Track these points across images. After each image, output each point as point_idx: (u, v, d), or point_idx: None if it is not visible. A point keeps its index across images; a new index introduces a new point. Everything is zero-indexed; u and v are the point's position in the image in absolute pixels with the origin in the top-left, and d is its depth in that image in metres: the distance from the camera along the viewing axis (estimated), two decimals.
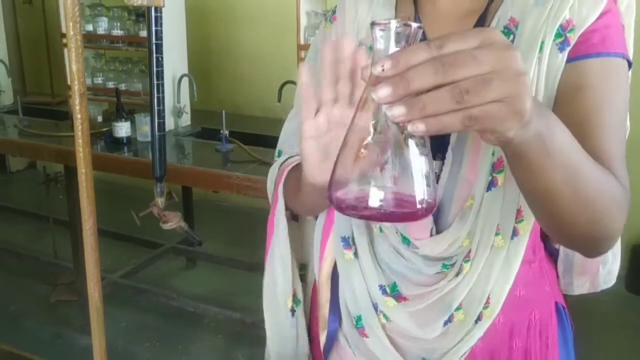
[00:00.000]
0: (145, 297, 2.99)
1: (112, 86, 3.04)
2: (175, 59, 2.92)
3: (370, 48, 0.83)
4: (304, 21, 2.49)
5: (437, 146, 0.79)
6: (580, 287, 0.94)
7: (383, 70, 0.45)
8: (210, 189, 2.78)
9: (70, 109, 3.12)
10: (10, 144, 2.99)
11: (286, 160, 0.90)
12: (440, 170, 0.79)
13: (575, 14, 0.74)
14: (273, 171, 0.92)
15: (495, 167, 0.77)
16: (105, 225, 3.36)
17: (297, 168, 0.81)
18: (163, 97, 0.52)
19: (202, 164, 2.45)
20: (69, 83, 3.11)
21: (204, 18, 3.87)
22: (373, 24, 0.51)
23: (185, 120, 3.00)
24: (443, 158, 0.79)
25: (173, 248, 3.34)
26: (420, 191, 0.52)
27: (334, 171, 0.55)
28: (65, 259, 3.12)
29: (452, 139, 0.78)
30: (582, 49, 0.73)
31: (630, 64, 0.77)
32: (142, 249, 3.36)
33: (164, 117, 0.60)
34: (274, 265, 0.94)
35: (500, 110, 0.45)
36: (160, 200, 0.67)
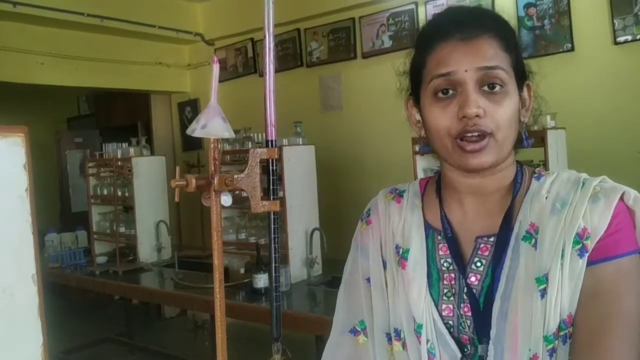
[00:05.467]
0: None
1: (254, 240, 3.39)
2: (307, 215, 3.24)
3: (407, 251, 0.96)
4: (421, 175, 2.70)
5: (482, 333, 0.88)
6: None
7: None
8: None
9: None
10: (167, 295, 3.39)
11: None
12: (486, 353, 0.88)
13: (588, 222, 0.83)
14: None
15: None
16: None
17: None
18: (278, 265, 0.66)
19: (331, 313, 2.60)
20: None
21: (334, 172, 4.24)
22: None
23: (317, 270, 3.23)
24: (488, 342, 0.87)
25: None
26: None
27: None
28: None
29: (492, 334, 0.87)
30: (600, 254, 0.82)
31: None
32: None
33: (280, 282, 0.74)
34: None
35: None
36: (277, 357, 0.83)
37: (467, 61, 0.84)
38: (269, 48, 0.78)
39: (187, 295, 3.13)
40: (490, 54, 0.84)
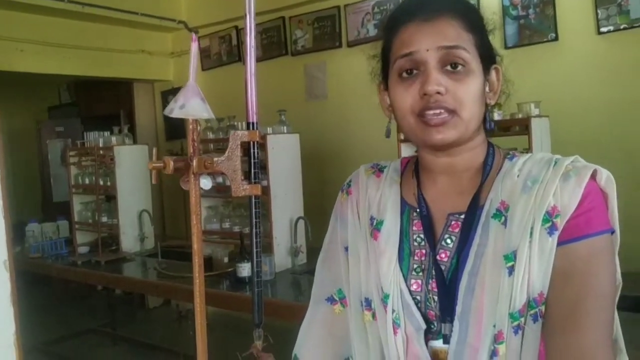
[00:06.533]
0: None
1: (238, 230, 3.37)
2: (292, 204, 3.23)
3: (380, 223, 0.97)
4: None
5: (446, 311, 0.89)
6: None
7: None
8: None
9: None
10: (150, 285, 3.36)
11: None
12: (451, 331, 0.88)
13: (558, 201, 0.83)
14: None
15: (497, 339, 0.84)
16: None
17: None
18: (260, 250, 0.65)
19: None
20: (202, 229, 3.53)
21: (318, 161, 4.23)
22: None
23: (302, 258, 3.22)
24: (452, 321, 0.88)
25: None
26: None
27: None
28: None
29: (458, 310, 0.87)
30: (571, 233, 0.82)
31: (613, 231, 0.83)
32: None
33: (261, 268, 0.73)
34: None
35: None
36: (258, 343, 0.83)
37: (428, 41, 0.86)
38: (250, 28, 0.76)
39: (170, 284, 3.11)
40: (451, 34, 0.86)
